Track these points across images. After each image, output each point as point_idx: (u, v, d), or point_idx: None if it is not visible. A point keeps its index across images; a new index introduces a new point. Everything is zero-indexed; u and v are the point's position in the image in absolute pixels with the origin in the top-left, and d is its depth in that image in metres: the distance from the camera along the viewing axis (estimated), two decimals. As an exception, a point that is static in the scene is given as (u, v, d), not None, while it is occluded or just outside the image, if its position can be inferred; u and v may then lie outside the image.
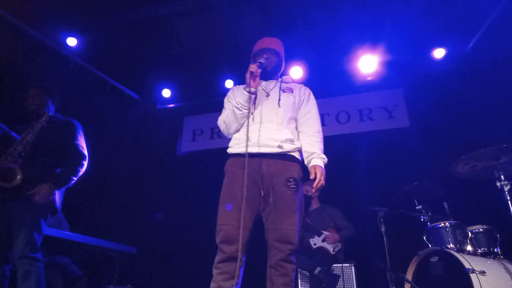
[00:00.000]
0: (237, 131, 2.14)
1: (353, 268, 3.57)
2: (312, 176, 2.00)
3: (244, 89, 2.07)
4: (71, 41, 4.46)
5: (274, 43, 2.32)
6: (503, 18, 3.92)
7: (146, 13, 4.30)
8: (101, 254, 3.65)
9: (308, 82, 5.09)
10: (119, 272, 3.66)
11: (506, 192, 2.42)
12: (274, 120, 2.07)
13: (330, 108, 5.09)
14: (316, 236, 3.79)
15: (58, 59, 4.46)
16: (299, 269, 3.68)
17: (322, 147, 2.15)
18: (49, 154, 2.57)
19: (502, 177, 2.48)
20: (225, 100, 2.27)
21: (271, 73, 2.29)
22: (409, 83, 4.82)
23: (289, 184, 1.96)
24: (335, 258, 3.69)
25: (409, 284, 2.74)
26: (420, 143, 4.26)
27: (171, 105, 5.65)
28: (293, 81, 2.41)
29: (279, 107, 2.12)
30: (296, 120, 2.21)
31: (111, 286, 3.52)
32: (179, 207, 4.89)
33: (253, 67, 2.07)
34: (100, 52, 4.74)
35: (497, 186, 2.49)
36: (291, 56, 4.90)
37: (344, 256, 3.75)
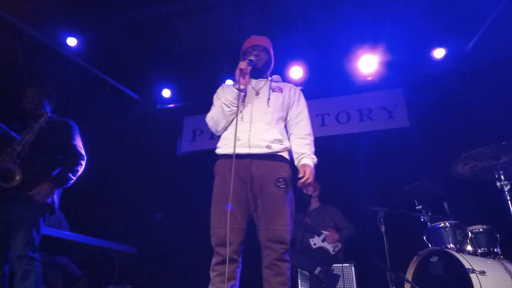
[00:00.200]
0: (225, 129, 2.13)
1: (353, 268, 3.57)
2: (300, 175, 1.96)
3: (233, 86, 2.06)
4: (71, 41, 4.46)
5: (263, 41, 2.30)
6: (503, 18, 3.92)
7: (146, 13, 4.30)
8: (101, 254, 3.65)
9: (308, 82, 5.09)
10: (119, 272, 3.66)
11: (506, 192, 2.42)
12: (263, 120, 2.06)
13: (330, 108, 5.09)
14: (316, 236, 3.79)
15: (58, 59, 4.46)
16: (299, 269, 3.68)
17: (313, 149, 2.12)
18: (48, 155, 2.57)
19: (502, 177, 2.48)
20: (215, 97, 2.26)
21: (262, 70, 2.26)
22: (409, 83, 4.82)
23: (278, 184, 1.95)
24: (335, 258, 3.69)
25: (409, 284, 2.74)
26: (420, 143, 4.26)
27: (171, 105, 5.65)
28: (283, 81, 2.37)
29: (268, 106, 2.11)
30: (285, 120, 2.20)
31: (111, 286, 3.52)
32: (179, 207, 4.89)
33: (242, 64, 2.05)
34: (100, 52, 4.74)
35: (497, 186, 2.49)
36: (291, 56, 4.91)
37: (344, 256, 3.75)
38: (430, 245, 2.93)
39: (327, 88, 5.15)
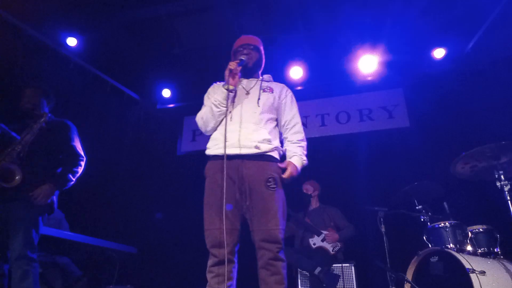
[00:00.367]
0: (215, 129, 2.12)
1: (353, 268, 3.58)
2: (283, 166, 2.03)
3: (223, 86, 2.05)
4: (71, 41, 4.46)
5: (253, 40, 2.29)
6: (503, 18, 3.92)
7: (146, 13, 4.30)
8: (101, 254, 3.65)
9: (308, 82, 5.10)
10: (119, 272, 3.66)
11: (506, 192, 2.42)
12: (252, 120, 2.05)
13: (330, 108, 5.09)
14: (315, 236, 3.79)
15: (58, 59, 4.46)
16: (299, 269, 3.69)
17: (305, 152, 2.19)
18: (48, 155, 2.58)
19: (502, 177, 2.48)
20: (205, 97, 2.26)
21: (252, 70, 2.25)
22: (409, 83, 4.82)
23: (269, 184, 1.94)
24: (335, 258, 3.69)
25: (409, 284, 2.74)
26: (420, 143, 4.26)
27: (171, 105, 5.65)
28: (278, 81, 2.37)
29: (258, 106, 2.10)
30: (275, 120, 2.20)
31: (111, 286, 3.52)
32: (179, 207, 4.89)
33: (232, 65, 2.04)
34: (100, 52, 4.74)
35: (497, 186, 2.49)
36: (291, 56, 4.91)
37: (344, 256, 3.75)
38: (430, 245, 2.93)
39: (327, 88, 5.15)
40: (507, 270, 2.38)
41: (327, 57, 4.83)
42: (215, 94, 2.10)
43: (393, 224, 3.32)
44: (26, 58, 4.06)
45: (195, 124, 2.23)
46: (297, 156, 2.11)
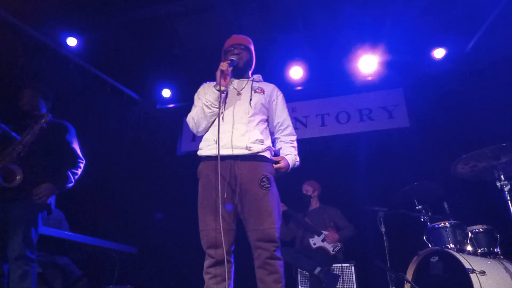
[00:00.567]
0: (207, 130, 2.13)
1: (353, 268, 3.58)
2: (277, 159, 2.11)
3: (214, 87, 2.04)
4: (71, 41, 4.46)
5: (244, 40, 2.30)
6: (503, 18, 3.92)
7: (146, 13, 4.30)
8: (101, 254, 3.65)
9: (308, 82, 5.10)
10: (119, 272, 3.66)
11: (506, 192, 2.42)
12: (244, 121, 2.06)
13: (330, 108, 5.09)
14: (316, 236, 3.79)
15: (58, 59, 4.46)
16: (299, 269, 3.69)
17: (297, 150, 2.27)
18: (47, 156, 2.58)
19: (502, 177, 2.48)
20: (195, 97, 2.26)
21: (243, 70, 2.26)
22: (409, 83, 4.82)
23: (262, 184, 1.95)
24: (335, 258, 3.69)
25: (409, 284, 2.74)
26: (420, 143, 4.26)
27: (171, 105, 5.64)
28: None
29: (250, 107, 2.11)
30: (266, 120, 2.22)
31: (111, 286, 3.52)
32: (179, 207, 4.89)
33: (223, 65, 2.04)
34: (100, 52, 4.74)
35: (497, 186, 2.49)
36: (291, 56, 4.91)
37: (344, 256, 3.75)
38: (430, 245, 2.93)
39: (327, 88, 5.15)
40: (507, 270, 2.38)
41: (327, 57, 4.83)
42: (206, 95, 2.10)
43: (393, 224, 3.32)
44: (26, 58, 4.06)
45: (195, 124, 2.21)
46: (291, 155, 2.19)
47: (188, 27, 4.50)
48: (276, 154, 2.22)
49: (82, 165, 2.68)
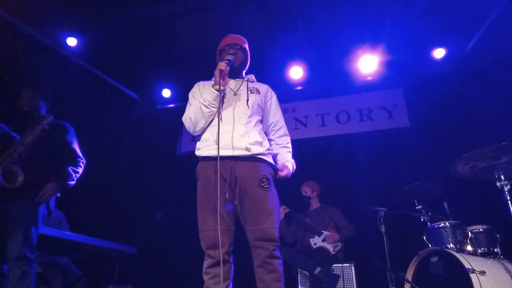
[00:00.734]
0: (204, 130, 2.12)
1: (353, 268, 3.58)
2: (280, 167, 2.13)
3: (213, 87, 2.03)
4: (71, 41, 4.46)
5: (240, 40, 2.29)
6: (503, 18, 3.92)
7: (146, 13, 4.30)
8: (101, 254, 3.64)
9: (308, 82, 5.10)
10: (119, 272, 3.66)
11: (506, 192, 2.42)
12: (243, 122, 2.07)
13: (330, 108, 5.09)
14: (316, 236, 3.79)
15: (58, 59, 4.46)
16: (299, 269, 3.69)
17: (291, 153, 2.28)
18: (48, 157, 2.58)
19: (502, 177, 2.48)
20: (190, 96, 2.25)
21: (238, 70, 2.26)
22: (409, 83, 4.82)
23: (262, 184, 1.97)
24: (335, 258, 3.69)
25: (409, 284, 2.74)
26: (420, 143, 4.26)
27: (171, 105, 5.65)
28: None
29: (248, 108, 2.11)
30: (261, 121, 2.24)
31: (111, 286, 3.52)
32: (179, 207, 4.89)
33: (222, 65, 2.03)
34: (100, 52, 4.74)
35: (497, 186, 2.49)
36: (291, 56, 4.91)
37: (344, 256, 3.75)
38: (430, 245, 2.93)
39: (327, 88, 5.15)
40: (507, 270, 2.38)
41: (327, 57, 4.83)
42: (204, 94, 2.09)
43: (393, 224, 3.32)
44: (26, 58, 4.06)
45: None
46: (289, 163, 2.19)
47: (188, 27, 4.50)
48: (273, 157, 2.23)
49: (82, 165, 2.69)
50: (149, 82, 5.40)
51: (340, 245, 3.73)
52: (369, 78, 4.89)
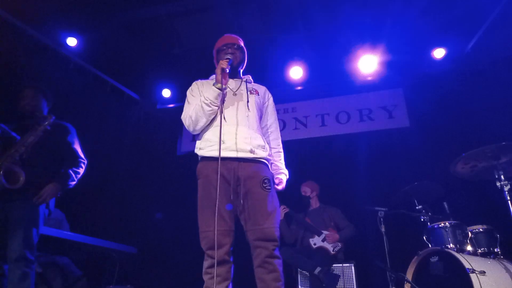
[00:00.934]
0: (203, 128, 2.12)
1: (353, 268, 3.58)
2: (277, 183, 2.19)
3: (214, 85, 2.03)
4: (71, 41, 4.46)
5: (237, 39, 2.30)
6: (503, 18, 3.92)
7: (146, 13, 4.30)
8: (101, 254, 3.64)
9: (308, 82, 5.10)
10: (119, 272, 3.66)
11: (506, 192, 2.42)
12: (246, 124, 2.07)
13: (330, 108, 5.09)
14: (316, 236, 3.79)
15: (58, 59, 4.46)
16: (299, 269, 3.68)
17: (284, 157, 2.33)
18: (49, 157, 2.58)
19: (502, 177, 2.48)
20: (188, 94, 2.25)
21: (236, 69, 2.26)
22: (409, 83, 4.82)
23: (264, 185, 1.98)
24: (335, 258, 3.69)
25: (409, 284, 2.74)
26: (420, 143, 4.26)
27: (171, 105, 5.65)
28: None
29: (249, 110, 2.13)
30: (260, 122, 2.26)
31: (111, 286, 3.52)
32: (179, 207, 4.89)
33: (224, 63, 2.04)
34: (100, 52, 4.74)
35: (497, 186, 2.49)
36: (291, 56, 4.91)
37: (344, 256, 3.75)
38: (430, 245, 2.93)
39: (327, 88, 5.15)
40: (507, 270, 2.38)
41: (327, 57, 4.84)
42: (205, 93, 2.08)
43: (393, 224, 3.32)
44: (26, 58, 4.06)
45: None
46: (283, 174, 2.25)
47: (188, 27, 4.50)
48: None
49: (84, 166, 2.69)
50: (149, 82, 5.40)
51: (340, 245, 3.73)
52: (369, 78, 4.89)
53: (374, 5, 4.13)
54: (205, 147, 2.07)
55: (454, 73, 4.50)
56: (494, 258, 2.60)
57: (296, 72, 4.94)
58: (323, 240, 3.75)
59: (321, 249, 3.71)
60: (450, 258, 2.51)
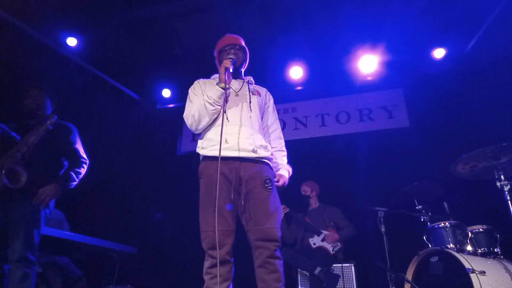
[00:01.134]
0: (206, 128, 2.12)
1: (353, 268, 3.57)
2: (276, 178, 2.18)
3: (218, 85, 2.03)
4: (71, 41, 4.46)
5: (238, 39, 2.31)
6: (503, 18, 3.92)
7: (146, 13, 4.30)
8: (101, 254, 3.65)
9: (308, 82, 5.10)
10: (119, 272, 3.66)
11: (506, 192, 2.42)
12: (248, 124, 2.08)
13: (330, 108, 5.09)
14: (315, 236, 3.79)
15: (58, 59, 4.46)
16: (299, 269, 3.68)
17: (287, 155, 2.34)
18: (51, 157, 2.59)
19: (502, 177, 2.48)
20: (190, 93, 2.24)
21: (238, 70, 2.27)
22: (409, 83, 4.82)
23: (266, 185, 1.99)
24: (335, 258, 3.69)
25: (409, 284, 2.74)
26: (420, 143, 4.26)
27: (171, 105, 5.65)
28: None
29: (251, 110, 2.13)
30: (262, 123, 2.27)
31: (111, 286, 3.52)
32: (179, 207, 4.89)
33: (228, 63, 2.05)
34: (100, 52, 4.74)
35: (497, 186, 2.49)
36: (291, 56, 4.91)
37: (344, 256, 3.75)
38: (430, 245, 2.93)
39: (327, 88, 5.15)
40: (507, 270, 2.38)
41: (327, 57, 4.84)
42: (208, 92, 2.08)
43: (393, 224, 3.32)
44: (26, 58, 4.06)
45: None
46: (284, 169, 2.25)
47: (188, 27, 4.50)
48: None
49: (85, 166, 2.70)
50: (149, 82, 5.40)
51: (339, 245, 3.73)
52: (369, 78, 4.89)
53: (374, 5, 4.13)
54: (207, 147, 2.07)
55: (454, 73, 4.50)
56: (494, 258, 2.60)
57: (296, 72, 4.94)
58: (322, 240, 3.75)
59: (320, 249, 3.71)
60: (450, 258, 2.51)
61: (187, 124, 2.17)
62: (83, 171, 2.67)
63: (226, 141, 1.96)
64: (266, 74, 4.76)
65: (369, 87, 4.98)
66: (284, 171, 2.24)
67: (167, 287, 4.51)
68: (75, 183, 2.61)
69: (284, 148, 2.32)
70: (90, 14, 4.24)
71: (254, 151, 2.01)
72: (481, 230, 2.78)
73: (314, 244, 3.75)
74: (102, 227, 4.44)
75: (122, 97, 5.40)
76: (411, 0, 4.03)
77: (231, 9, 4.23)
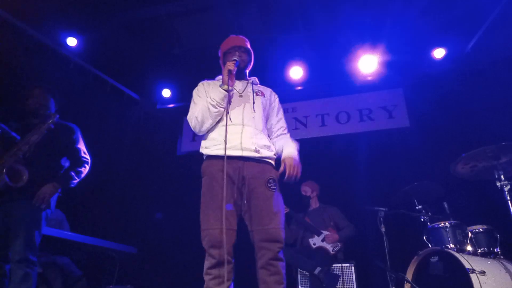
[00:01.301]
0: (209, 129, 2.13)
1: (353, 268, 3.57)
2: (281, 168, 2.03)
3: (221, 87, 2.03)
4: (71, 41, 4.46)
5: (243, 41, 2.30)
6: (503, 18, 3.92)
7: (146, 13, 4.30)
8: (101, 254, 3.65)
9: (308, 82, 5.10)
10: (119, 272, 3.66)
11: (506, 192, 2.42)
12: (251, 124, 2.09)
13: (330, 108, 5.09)
14: (315, 236, 3.79)
15: (58, 59, 4.46)
16: (299, 269, 3.68)
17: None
18: (53, 156, 2.59)
19: (502, 177, 2.48)
20: (194, 94, 2.24)
21: (242, 71, 2.28)
22: (409, 83, 4.82)
23: (269, 185, 1.99)
24: (335, 258, 3.69)
25: (409, 284, 2.74)
26: (420, 143, 4.26)
27: (171, 105, 5.64)
28: (265, 81, 2.42)
29: (254, 111, 2.14)
30: (266, 123, 2.25)
31: (111, 286, 3.52)
32: (179, 207, 4.89)
33: (231, 65, 2.05)
34: (100, 52, 4.74)
35: (497, 186, 2.49)
36: (291, 56, 4.91)
37: (344, 256, 3.75)
38: (430, 245, 2.93)
39: (327, 88, 5.15)
40: (507, 270, 2.38)
41: (327, 57, 4.83)
42: (211, 94, 2.09)
43: (393, 224, 3.32)
44: (26, 58, 4.06)
45: (195, 124, 2.20)
46: (288, 146, 2.13)
47: (188, 27, 4.50)
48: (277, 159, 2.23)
49: (87, 165, 2.70)
50: (149, 82, 5.40)
51: (339, 245, 3.73)
52: (369, 78, 4.89)
53: (374, 5, 4.13)
54: (210, 146, 2.07)
55: (454, 73, 4.50)
56: (494, 258, 2.60)
57: (296, 72, 4.94)
58: (322, 240, 3.75)
59: (320, 249, 3.71)
60: (450, 258, 2.51)
61: (190, 126, 2.18)
62: (84, 170, 2.67)
63: (228, 140, 1.96)
64: (266, 74, 4.74)
65: (369, 87, 4.98)
66: (290, 149, 2.10)
67: (167, 287, 4.51)
68: (76, 181, 2.61)
69: (294, 140, 2.25)
70: (90, 14, 4.24)
71: (257, 151, 2.01)
72: (481, 230, 2.78)
73: (314, 244, 3.75)
74: (102, 227, 4.44)
75: (122, 97, 5.40)
76: (411, 0, 4.03)
77: (231, 9, 4.23)
